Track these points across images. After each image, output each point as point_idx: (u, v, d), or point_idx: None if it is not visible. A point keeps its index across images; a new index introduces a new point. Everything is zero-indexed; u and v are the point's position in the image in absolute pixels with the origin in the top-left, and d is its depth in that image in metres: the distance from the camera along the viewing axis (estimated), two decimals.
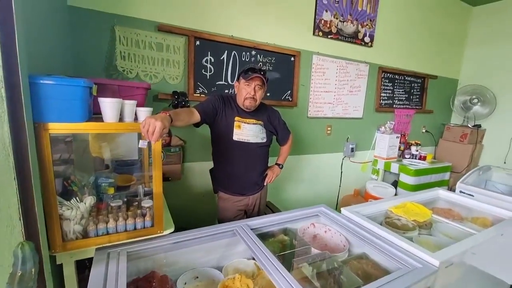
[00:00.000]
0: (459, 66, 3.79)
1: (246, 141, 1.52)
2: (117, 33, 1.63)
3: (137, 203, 1.17)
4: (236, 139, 1.50)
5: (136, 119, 1.12)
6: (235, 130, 1.50)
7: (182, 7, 1.81)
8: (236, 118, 1.51)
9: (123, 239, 1.05)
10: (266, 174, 1.70)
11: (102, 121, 0.99)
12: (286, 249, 1.27)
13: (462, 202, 1.79)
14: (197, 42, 1.89)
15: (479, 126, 3.51)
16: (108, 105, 0.96)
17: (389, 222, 1.45)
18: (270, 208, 2.16)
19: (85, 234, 1.00)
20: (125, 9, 1.65)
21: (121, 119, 1.06)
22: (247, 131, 1.52)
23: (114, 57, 1.64)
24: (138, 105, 1.14)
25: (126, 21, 1.66)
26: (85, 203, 0.99)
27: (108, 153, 1.49)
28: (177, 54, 1.84)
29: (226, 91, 2.05)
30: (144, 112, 1.09)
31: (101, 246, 0.97)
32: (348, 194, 2.95)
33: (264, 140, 1.59)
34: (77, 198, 0.99)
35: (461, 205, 1.76)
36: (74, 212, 0.97)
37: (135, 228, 1.09)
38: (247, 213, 1.69)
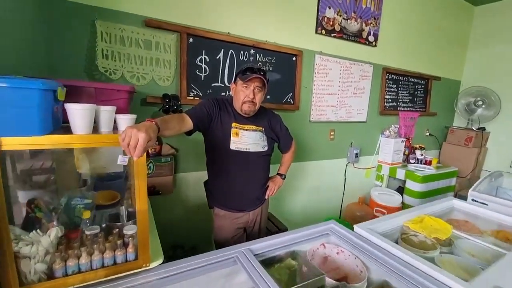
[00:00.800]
0: (462, 67, 3.69)
1: (245, 150, 1.34)
2: (98, 29, 1.44)
3: (118, 229, 0.97)
4: (233, 148, 1.32)
5: (116, 128, 0.93)
6: (233, 138, 1.32)
7: (173, 0, 1.63)
8: (234, 125, 1.33)
9: (101, 277, 0.86)
10: (268, 186, 1.52)
11: (71, 132, 0.80)
12: (294, 276, 1.10)
13: (477, 213, 1.66)
14: (190, 40, 1.70)
15: (484, 129, 3.40)
16: (78, 113, 0.76)
17: (405, 239, 1.30)
18: (272, 222, 1.98)
19: (51, 274, 0.80)
20: (108, 1, 1.45)
21: (97, 129, 0.87)
22: (246, 139, 1.34)
23: (95, 56, 1.45)
24: (119, 112, 0.95)
25: (108, 15, 1.47)
26: (49, 236, 0.79)
27: (87, 165, 1.29)
28: (167, 53, 1.65)
29: (223, 93, 1.87)
30: (125, 120, 0.90)
31: None
32: (352, 202, 2.79)
33: (265, 149, 1.41)
34: (38, 230, 0.79)
35: (476, 215, 1.63)
36: (35, 248, 0.77)
37: (115, 263, 0.89)
38: (247, 231, 1.51)
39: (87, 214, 0.99)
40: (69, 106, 0.75)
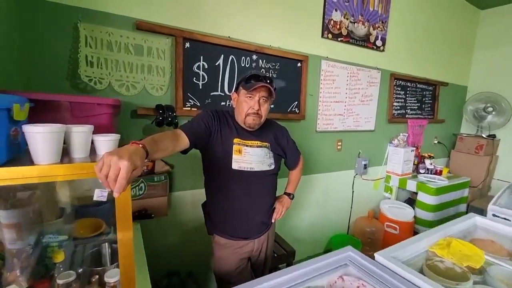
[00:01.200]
0: (468, 72, 3.57)
1: (249, 169, 1.16)
2: (81, 32, 1.27)
3: (98, 276, 0.79)
4: (236, 168, 1.15)
5: (95, 152, 0.76)
6: (235, 156, 1.15)
7: (167, 0, 1.47)
8: (236, 140, 1.16)
9: None
10: (274, 208, 1.35)
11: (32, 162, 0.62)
12: None
13: (501, 230, 1.50)
14: (187, 44, 1.54)
15: (494, 136, 3.26)
16: (39, 137, 0.59)
17: (430, 266, 1.13)
18: (278, 244, 1.80)
19: None
20: (93, 1, 1.29)
21: (69, 154, 0.70)
22: (250, 157, 1.17)
23: (78, 63, 1.27)
24: (100, 130, 0.78)
25: (94, 16, 1.30)
26: None
27: (66, 191, 1.11)
28: (161, 59, 1.48)
29: (223, 103, 1.70)
30: (105, 143, 0.73)
31: None
32: (361, 216, 2.61)
33: (272, 167, 1.23)
34: None
35: (500, 233, 1.48)
36: None
37: None
38: (252, 260, 1.32)
39: (60, 257, 0.81)
40: (27, 129, 0.58)
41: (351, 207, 2.57)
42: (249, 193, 1.20)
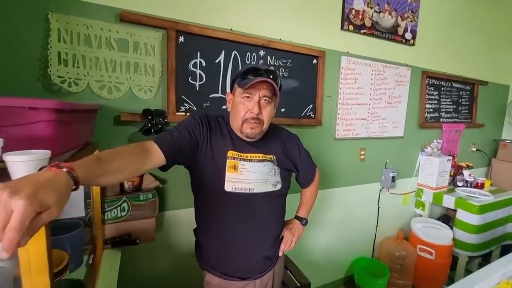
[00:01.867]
0: (511, 69, 3.11)
1: (247, 191, 0.90)
2: (53, 25, 1.07)
3: None
4: (230, 190, 0.89)
5: (8, 177, 0.52)
6: (229, 175, 0.89)
7: None
8: (230, 153, 0.90)
9: None
10: (282, 237, 1.07)
11: None
12: None
13: None
14: (181, 38, 1.31)
15: None
16: None
17: None
18: (289, 272, 1.50)
19: None
20: None
21: None
22: (248, 175, 0.91)
23: (48, 62, 1.08)
24: (37, 144, 0.56)
25: (69, 6, 1.10)
26: None
27: None
28: (150, 56, 1.27)
29: (224, 107, 1.45)
30: (22, 165, 0.50)
31: None
32: (388, 236, 2.26)
33: (278, 187, 0.97)
34: None
35: None
36: None
37: None
38: None
39: None
40: None
41: (377, 226, 2.23)
42: (248, 221, 0.93)
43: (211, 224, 0.95)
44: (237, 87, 0.88)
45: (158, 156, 0.75)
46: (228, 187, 0.89)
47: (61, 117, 0.68)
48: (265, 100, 0.88)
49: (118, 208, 1.19)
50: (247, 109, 0.86)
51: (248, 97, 0.86)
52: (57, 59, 1.09)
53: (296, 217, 1.16)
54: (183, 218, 1.43)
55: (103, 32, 1.17)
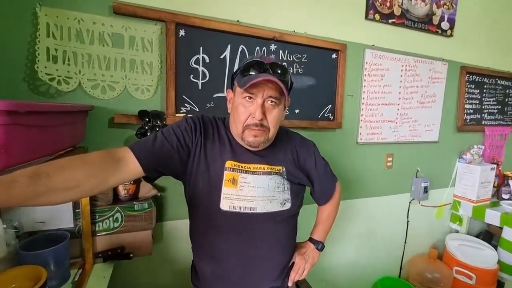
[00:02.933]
0: None
1: (249, 211, 0.74)
2: (42, 19, 0.98)
3: None
4: (226, 209, 0.73)
5: None
6: (226, 190, 0.74)
7: None
8: (229, 164, 0.75)
9: None
10: (293, 264, 0.90)
11: None
12: None
13: None
14: (182, 32, 1.18)
15: None
16: None
17: None
18: None
19: None
20: None
21: None
22: (250, 190, 0.75)
23: (36, 57, 0.99)
24: None
25: None
26: None
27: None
28: (147, 52, 1.15)
29: None
30: None
31: None
32: (419, 254, 1.99)
33: (287, 206, 0.80)
34: None
35: None
36: None
37: None
38: None
39: None
40: None
41: (405, 242, 1.96)
42: (249, 247, 0.77)
43: (204, 247, 0.81)
44: (237, 84, 0.73)
45: (133, 167, 0.61)
46: (225, 205, 0.73)
47: (15, 120, 0.56)
48: (271, 101, 0.71)
49: (111, 219, 1.08)
50: (248, 113, 0.70)
51: (249, 98, 0.70)
52: (45, 56, 1.00)
53: (311, 240, 0.98)
54: (184, 229, 1.28)
55: (96, 27, 1.06)
